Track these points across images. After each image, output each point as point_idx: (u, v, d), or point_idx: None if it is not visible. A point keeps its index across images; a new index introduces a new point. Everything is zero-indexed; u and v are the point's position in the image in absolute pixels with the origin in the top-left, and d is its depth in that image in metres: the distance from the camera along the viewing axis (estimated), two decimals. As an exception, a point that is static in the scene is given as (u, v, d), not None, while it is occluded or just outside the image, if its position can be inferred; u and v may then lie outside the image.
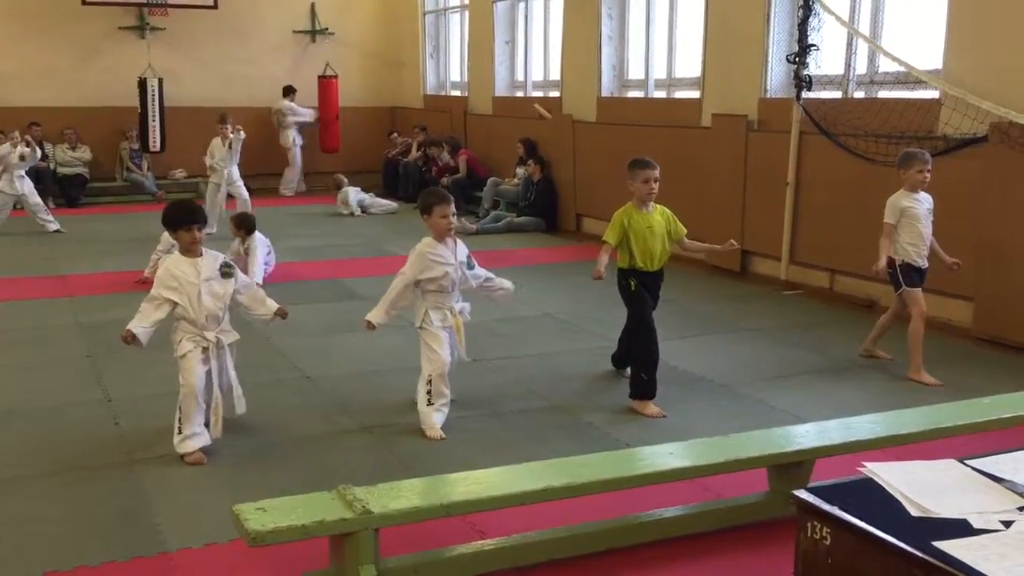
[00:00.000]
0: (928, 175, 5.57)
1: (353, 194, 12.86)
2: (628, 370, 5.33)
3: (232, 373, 4.50)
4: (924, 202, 5.62)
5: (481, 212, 12.10)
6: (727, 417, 4.92)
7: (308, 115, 14.84)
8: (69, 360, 5.99)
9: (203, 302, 4.33)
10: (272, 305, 4.65)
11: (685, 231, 5.29)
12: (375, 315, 4.78)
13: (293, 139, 14.74)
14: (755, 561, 3.47)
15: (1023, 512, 2.08)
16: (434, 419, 4.68)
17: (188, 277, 4.34)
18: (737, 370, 5.82)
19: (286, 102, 14.65)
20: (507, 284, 5.11)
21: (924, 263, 5.63)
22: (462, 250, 4.86)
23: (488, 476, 3.43)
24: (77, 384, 5.51)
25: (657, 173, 5.09)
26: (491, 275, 5.08)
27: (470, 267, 4.88)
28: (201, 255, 4.43)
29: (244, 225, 7.94)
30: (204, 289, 4.34)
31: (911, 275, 5.61)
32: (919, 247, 5.58)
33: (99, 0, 13.77)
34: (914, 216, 5.55)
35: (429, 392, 4.69)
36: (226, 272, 4.46)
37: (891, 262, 5.63)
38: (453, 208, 4.78)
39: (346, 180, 13.19)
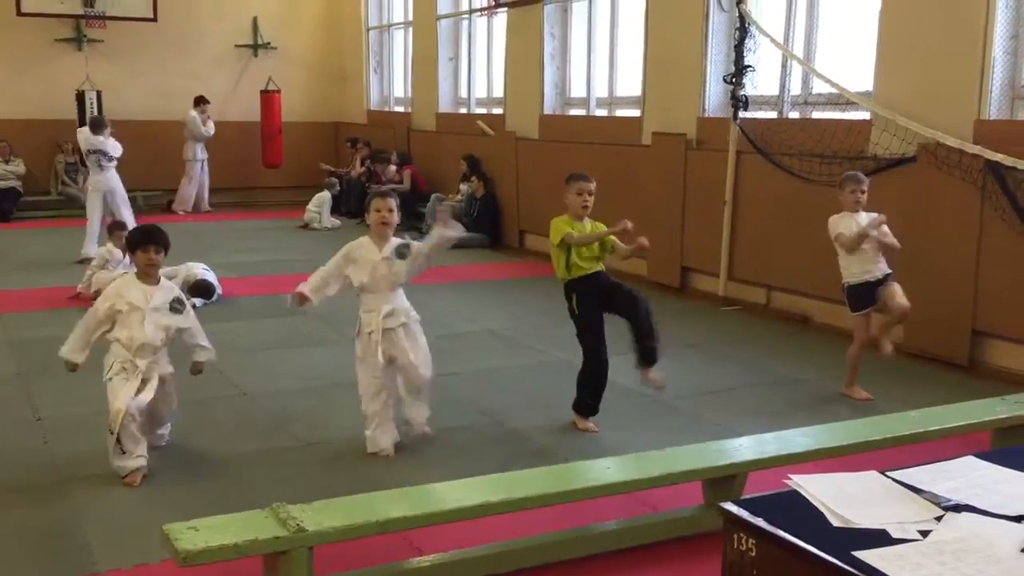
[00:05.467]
0: (862, 195, 5.55)
1: (325, 203, 12.89)
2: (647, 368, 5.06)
3: (162, 413, 4.47)
4: (863, 221, 5.53)
5: (424, 228, 12.07)
6: (664, 431, 4.98)
7: (209, 131, 14.09)
8: (-2, 378, 5.85)
9: (145, 330, 4.25)
10: (198, 356, 4.54)
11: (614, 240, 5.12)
12: (305, 287, 4.62)
13: (195, 153, 14.07)
14: (689, 573, 3.52)
15: (940, 522, 2.14)
16: (371, 440, 4.62)
17: (135, 302, 4.27)
18: (675, 385, 5.86)
19: (191, 113, 14.04)
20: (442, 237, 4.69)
21: (876, 274, 5.53)
22: (391, 244, 4.64)
23: (424, 492, 3.43)
24: (5, 403, 5.37)
25: (592, 187, 5.02)
26: (421, 248, 4.69)
27: (401, 255, 4.62)
28: (157, 282, 4.36)
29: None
30: (149, 318, 4.27)
31: (859, 297, 5.57)
32: (864, 263, 5.52)
33: (34, 12, 13.51)
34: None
35: (365, 415, 4.65)
36: (176, 308, 4.39)
37: (842, 287, 5.64)
38: (391, 204, 4.61)
39: (335, 184, 13.24)
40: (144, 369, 4.27)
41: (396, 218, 4.66)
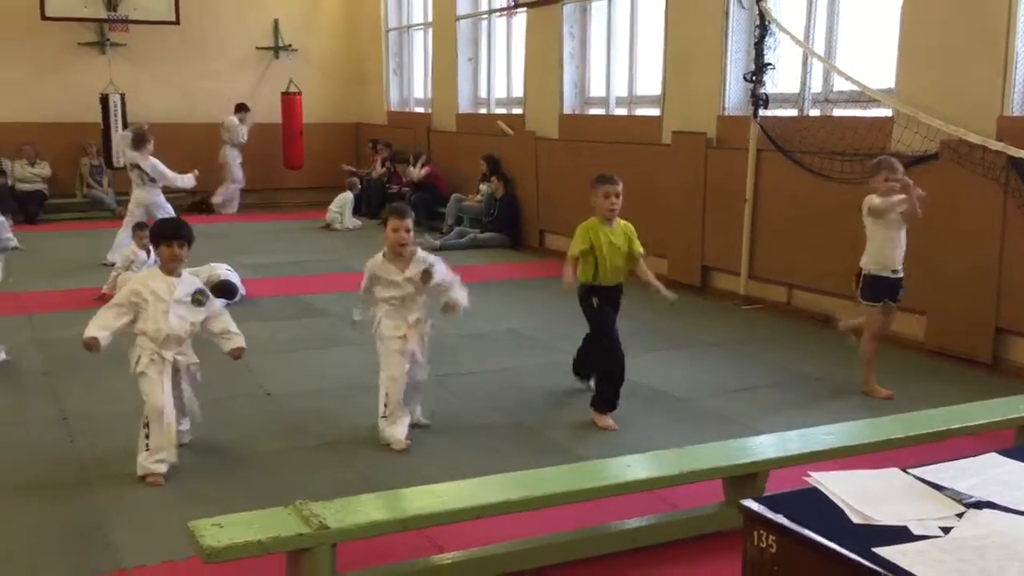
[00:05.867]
0: (896, 184, 5.41)
1: (347, 203, 12.92)
2: (591, 381, 5.40)
3: (188, 396, 4.49)
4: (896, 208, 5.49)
5: (445, 228, 12.13)
6: (686, 430, 4.97)
7: (243, 135, 14.31)
8: (25, 378, 5.92)
9: (170, 322, 4.28)
10: (234, 343, 4.52)
11: (642, 251, 5.30)
12: (357, 313, 4.90)
13: (233, 157, 14.27)
14: (710, 571, 3.52)
15: (962, 519, 2.14)
16: (390, 432, 4.69)
17: (160, 293, 4.29)
18: (696, 384, 5.89)
19: (229, 119, 14.23)
20: (460, 298, 4.77)
21: (893, 273, 5.51)
22: (419, 264, 4.69)
23: (446, 490, 3.45)
24: (33, 402, 5.44)
25: (618, 188, 5.10)
26: (450, 282, 4.78)
27: (425, 281, 4.68)
28: (179, 276, 4.39)
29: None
30: (173, 309, 4.30)
31: (875, 288, 5.55)
32: (894, 252, 5.48)
33: (58, 16, 13.65)
34: (888, 217, 5.44)
35: (386, 404, 4.71)
36: (198, 300, 4.41)
37: (858, 273, 5.63)
38: (408, 224, 4.67)
39: (357, 185, 13.28)
40: (172, 360, 4.32)
41: (413, 237, 4.73)
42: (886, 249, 5.50)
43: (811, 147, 7.47)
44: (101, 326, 4.25)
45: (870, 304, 5.61)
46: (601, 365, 5.22)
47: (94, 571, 3.48)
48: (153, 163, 9.47)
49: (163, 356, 4.30)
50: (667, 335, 7.15)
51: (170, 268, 4.38)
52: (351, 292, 4.94)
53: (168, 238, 4.36)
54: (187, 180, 9.72)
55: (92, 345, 4.23)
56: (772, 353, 6.63)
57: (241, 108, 14.37)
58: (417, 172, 13.04)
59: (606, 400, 5.11)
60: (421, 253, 4.78)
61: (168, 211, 9.36)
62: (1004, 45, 6.16)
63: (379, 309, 4.76)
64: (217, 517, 3.09)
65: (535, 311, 7.88)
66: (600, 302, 5.15)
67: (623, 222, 5.23)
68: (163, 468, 4.26)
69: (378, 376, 4.80)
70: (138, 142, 9.54)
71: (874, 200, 5.47)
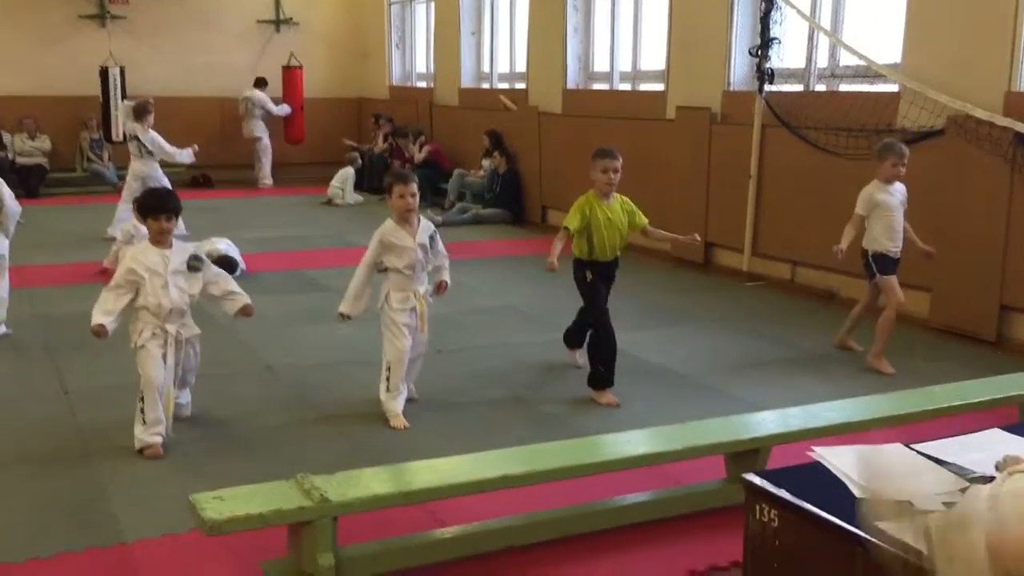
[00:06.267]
0: (902, 169, 5.55)
1: (349, 178, 12.87)
2: (577, 354, 5.48)
3: (187, 371, 4.48)
4: (897, 194, 5.62)
5: (447, 204, 12.09)
6: (688, 407, 4.96)
7: (283, 111, 14.47)
8: (26, 352, 5.91)
9: (170, 294, 4.26)
10: (239, 302, 4.51)
11: (647, 221, 5.31)
12: (345, 306, 4.75)
13: (262, 130, 14.40)
14: (711, 546, 3.51)
15: (965, 493, 2.13)
16: (394, 406, 4.69)
17: (155, 268, 4.27)
18: (699, 360, 5.88)
19: (260, 93, 14.30)
20: (448, 280, 4.93)
21: (897, 254, 5.63)
22: (425, 231, 4.75)
23: (447, 464, 3.45)
24: (34, 376, 5.43)
25: (617, 164, 5.08)
26: (445, 262, 4.92)
27: (432, 247, 4.78)
28: (170, 246, 4.37)
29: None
30: (171, 282, 4.28)
31: (886, 264, 5.61)
32: (893, 238, 5.58)
33: (58, -12, 13.57)
34: (886, 207, 5.55)
35: (388, 379, 4.70)
36: (193, 266, 4.39)
37: (864, 252, 5.66)
38: (413, 188, 4.67)
39: (358, 160, 13.23)
40: (174, 334, 4.30)
41: (418, 201, 4.72)
42: (886, 236, 5.57)
43: (816, 123, 7.42)
44: (105, 311, 4.24)
45: (887, 277, 5.61)
46: (594, 344, 5.19)
47: (95, 544, 3.48)
48: (152, 136, 9.44)
49: (166, 330, 4.29)
50: (670, 311, 7.13)
51: (159, 240, 4.35)
52: (352, 267, 4.90)
53: (156, 211, 4.32)
54: (186, 155, 9.67)
55: (100, 332, 4.23)
56: (775, 329, 6.61)
57: (261, 82, 14.40)
58: (417, 154, 12.97)
59: (600, 378, 5.10)
60: (424, 220, 4.82)
61: (166, 183, 9.32)
62: (1012, 19, 6.09)
63: (387, 282, 4.74)
64: (218, 490, 3.09)
65: (536, 287, 7.85)
66: (593, 277, 5.16)
67: (620, 196, 5.21)
68: (159, 440, 4.26)
69: (379, 349, 4.78)
70: (139, 113, 9.51)
71: (861, 213, 5.59)
